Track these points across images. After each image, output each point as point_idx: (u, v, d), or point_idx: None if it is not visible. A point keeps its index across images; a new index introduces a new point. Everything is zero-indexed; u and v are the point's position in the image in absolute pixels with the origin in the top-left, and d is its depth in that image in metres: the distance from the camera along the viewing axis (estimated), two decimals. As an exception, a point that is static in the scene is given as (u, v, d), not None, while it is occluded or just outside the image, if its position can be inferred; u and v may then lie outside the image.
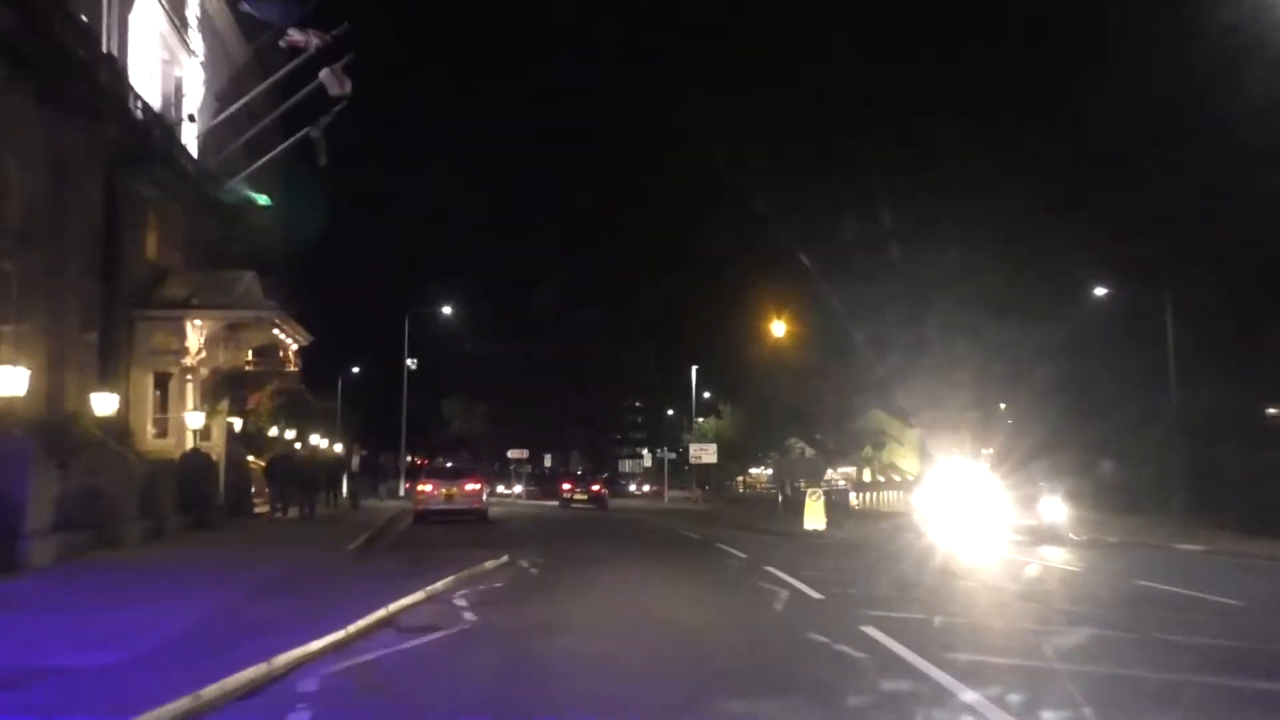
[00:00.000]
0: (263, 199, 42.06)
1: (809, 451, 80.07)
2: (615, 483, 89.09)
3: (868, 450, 78.86)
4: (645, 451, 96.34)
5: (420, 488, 27.41)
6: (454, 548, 18.86)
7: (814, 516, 24.72)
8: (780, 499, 37.82)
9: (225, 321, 26.76)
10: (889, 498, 70.00)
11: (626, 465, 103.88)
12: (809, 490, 25.52)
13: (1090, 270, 43.38)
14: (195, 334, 26.02)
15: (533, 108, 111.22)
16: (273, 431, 29.90)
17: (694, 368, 62.62)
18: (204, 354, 26.11)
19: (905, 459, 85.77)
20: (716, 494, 61.13)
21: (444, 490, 27.12)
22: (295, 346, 31.67)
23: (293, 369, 30.91)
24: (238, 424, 25.88)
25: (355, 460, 29.25)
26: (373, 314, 62.83)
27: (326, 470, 28.71)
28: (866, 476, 78.39)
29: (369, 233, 74.08)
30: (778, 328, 48.22)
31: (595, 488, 43.79)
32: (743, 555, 17.82)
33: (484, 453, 66.36)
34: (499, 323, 69.90)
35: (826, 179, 78.42)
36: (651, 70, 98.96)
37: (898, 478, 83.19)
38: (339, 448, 45.76)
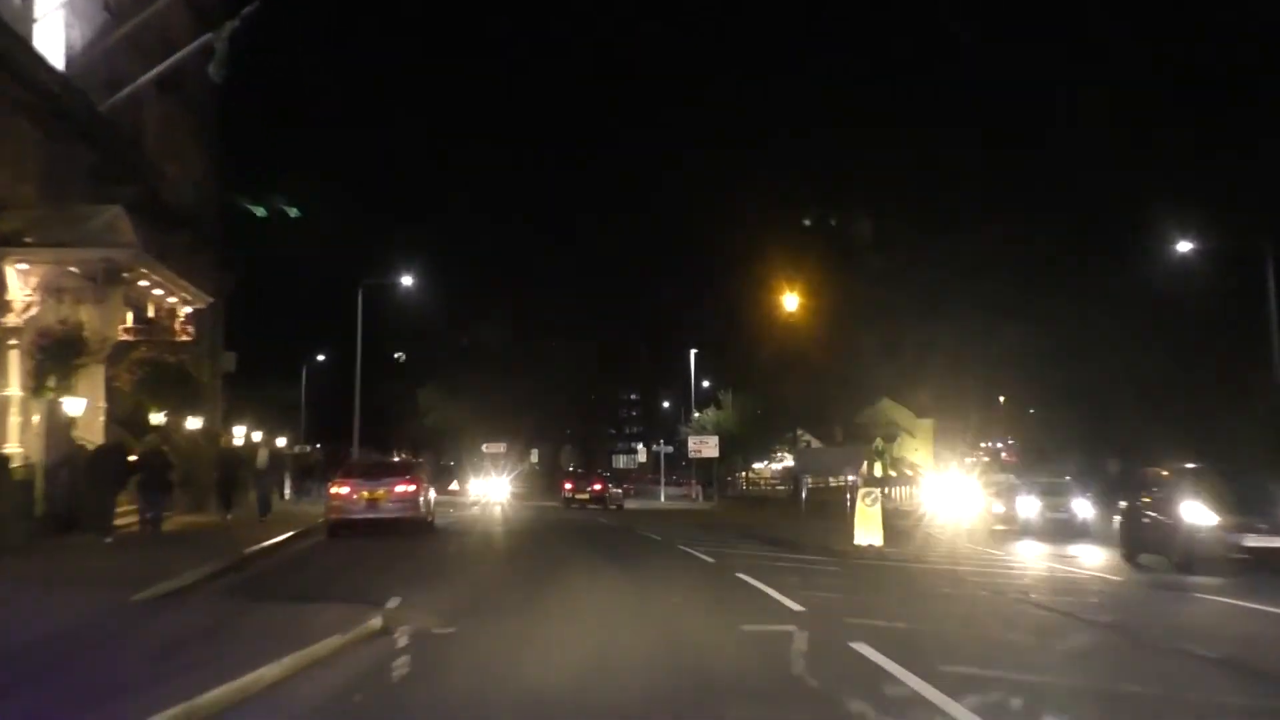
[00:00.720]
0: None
1: (815, 444, 72.60)
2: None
3: (879, 443, 71.34)
4: (640, 446, 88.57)
5: (334, 490, 19.88)
6: (319, 595, 11.34)
7: (868, 527, 17.20)
8: (802, 499, 30.36)
9: (65, 265, 19.16)
10: (900, 494, 62.96)
11: (621, 460, 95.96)
12: (862, 492, 17.93)
13: (1156, 237, 36.31)
14: (20, 281, 18.43)
15: (521, 80, 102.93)
16: (157, 418, 22.31)
17: (693, 351, 55.00)
18: (34, 310, 18.54)
19: (917, 452, 78.31)
20: (718, 492, 53.69)
21: (365, 493, 19.63)
22: (188, 310, 24.07)
23: (185, 338, 23.29)
24: (77, 405, 18.28)
25: (263, 455, 21.53)
26: (344, 298, 55.18)
27: (220, 468, 21.20)
28: (877, 471, 70.92)
29: (337, 206, 66.15)
30: (790, 300, 40.87)
31: (596, 486, 38.68)
32: (794, 606, 10.27)
33: (464, 447, 58.73)
34: (483, 309, 62.19)
35: (847, 154, 70.34)
36: (654, 44, 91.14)
37: (909, 472, 75.80)
38: (282, 441, 38.23)
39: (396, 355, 67.47)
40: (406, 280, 37.22)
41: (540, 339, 62.37)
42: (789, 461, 70.58)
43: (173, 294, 22.31)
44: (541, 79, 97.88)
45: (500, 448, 46.39)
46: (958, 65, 74.98)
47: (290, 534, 18.96)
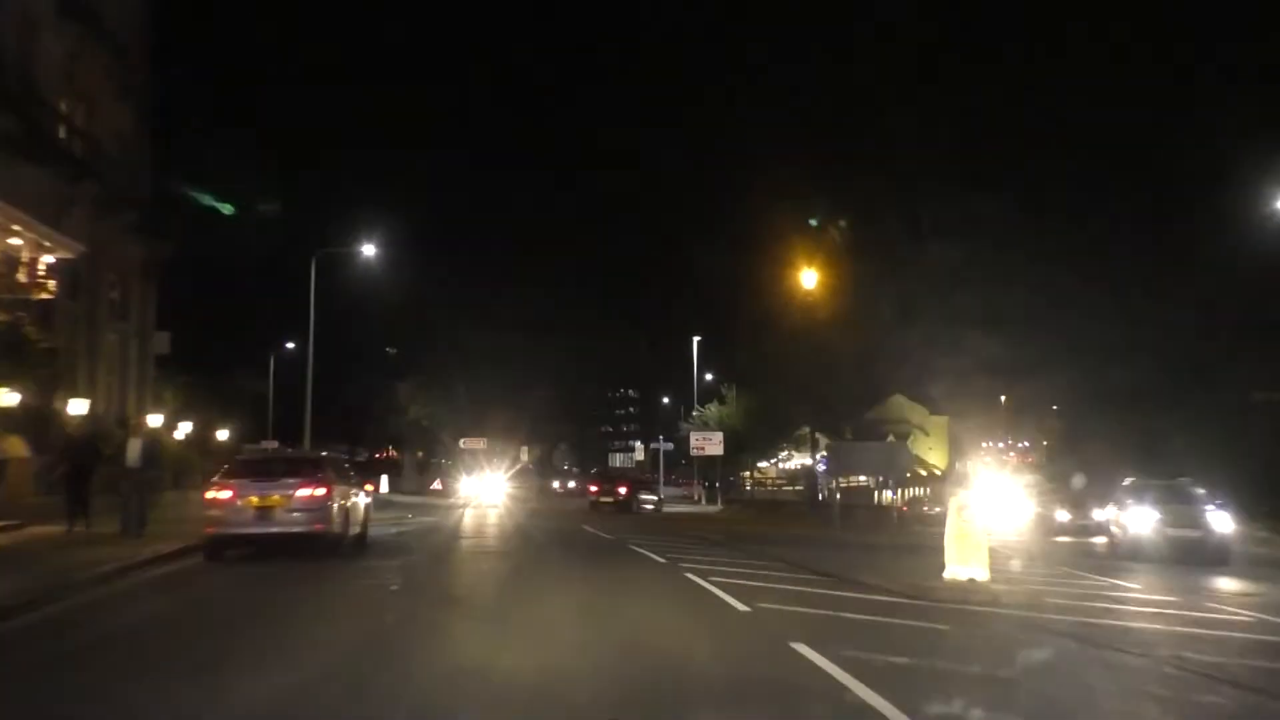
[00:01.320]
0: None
1: (824, 442, 66.55)
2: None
3: (891, 441, 65.13)
4: (638, 444, 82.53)
5: (211, 495, 13.99)
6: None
7: (969, 554, 11.30)
8: (834, 505, 24.55)
9: None
10: (917, 496, 57.76)
11: (618, 459, 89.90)
12: (956, 503, 11.86)
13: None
14: None
15: (516, 54, 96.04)
16: (7, 398, 16.47)
17: (696, 339, 49.11)
18: None
19: (931, 452, 72.22)
20: (723, 493, 48.00)
21: (253, 499, 13.79)
22: (50, 260, 18.23)
23: (45, 295, 17.49)
24: None
25: (134, 447, 15.56)
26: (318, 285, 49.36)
27: (68, 461, 15.30)
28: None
29: (313, 184, 60.44)
30: (808, 277, 35.13)
31: (622, 490, 35.91)
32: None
33: (450, 444, 52.86)
34: (469, 297, 56.33)
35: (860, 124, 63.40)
36: (653, 26, 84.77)
37: (924, 473, 69.72)
38: (224, 434, 32.43)
39: (388, 350, 61.55)
40: (368, 250, 31.26)
41: (531, 329, 56.56)
42: (804, 460, 64.59)
43: (13, 235, 16.48)
44: (537, 57, 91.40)
45: (480, 443, 40.55)
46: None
47: (141, 559, 13.14)
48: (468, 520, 27.11)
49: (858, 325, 42.87)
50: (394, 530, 20.81)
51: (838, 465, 29.40)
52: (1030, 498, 31.41)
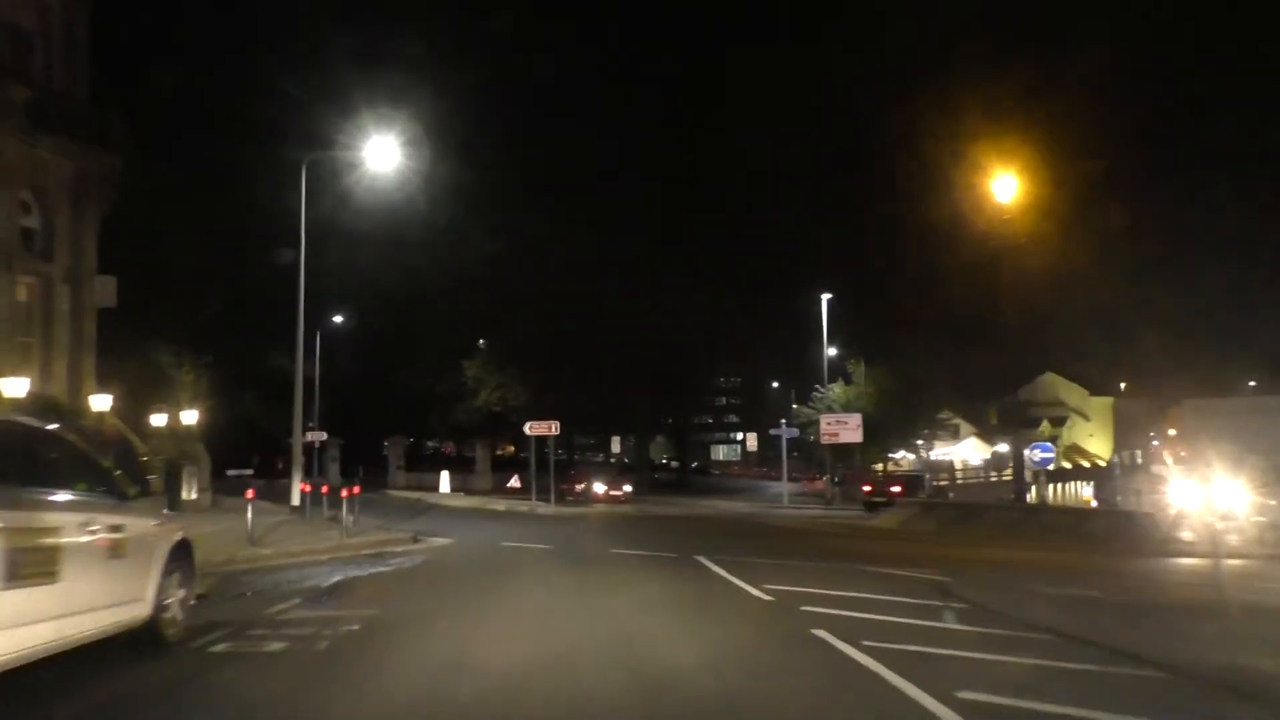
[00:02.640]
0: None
1: (965, 427, 54.09)
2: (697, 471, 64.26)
3: (1045, 426, 52.44)
4: (743, 435, 70.90)
5: None
6: None
7: None
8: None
9: None
10: (1076, 489, 45.81)
11: (721, 451, 78.77)
12: None
13: None
14: None
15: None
16: None
17: (825, 297, 37.51)
18: None
19: (1091, 439, 59.04)
20: (842, 488, 36.82)
21: None
22: None
23: None
24: None
25: None
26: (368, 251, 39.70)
27: None
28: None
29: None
30: (1005, 187, 23.55)
31: (896, 489, 33.18)
32: None
33: (523, 434, 42.32)
34: (548, 270, 45.59)
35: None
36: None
37: (1085, 463, 56.84)
38: (191, 416, 22.56)
39: (480, 342, 51.29)
40: (381, 160, 20.88)
41: (618, 304, 45.73)
42: (949, 449, 52.31)
43: None
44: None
45: (549, 428, 30.05)
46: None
47: None
48: (506, 544, 16.44)
49: (1034, 289, 30.81)
50: (338, 579, 10.35)
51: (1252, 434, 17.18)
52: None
